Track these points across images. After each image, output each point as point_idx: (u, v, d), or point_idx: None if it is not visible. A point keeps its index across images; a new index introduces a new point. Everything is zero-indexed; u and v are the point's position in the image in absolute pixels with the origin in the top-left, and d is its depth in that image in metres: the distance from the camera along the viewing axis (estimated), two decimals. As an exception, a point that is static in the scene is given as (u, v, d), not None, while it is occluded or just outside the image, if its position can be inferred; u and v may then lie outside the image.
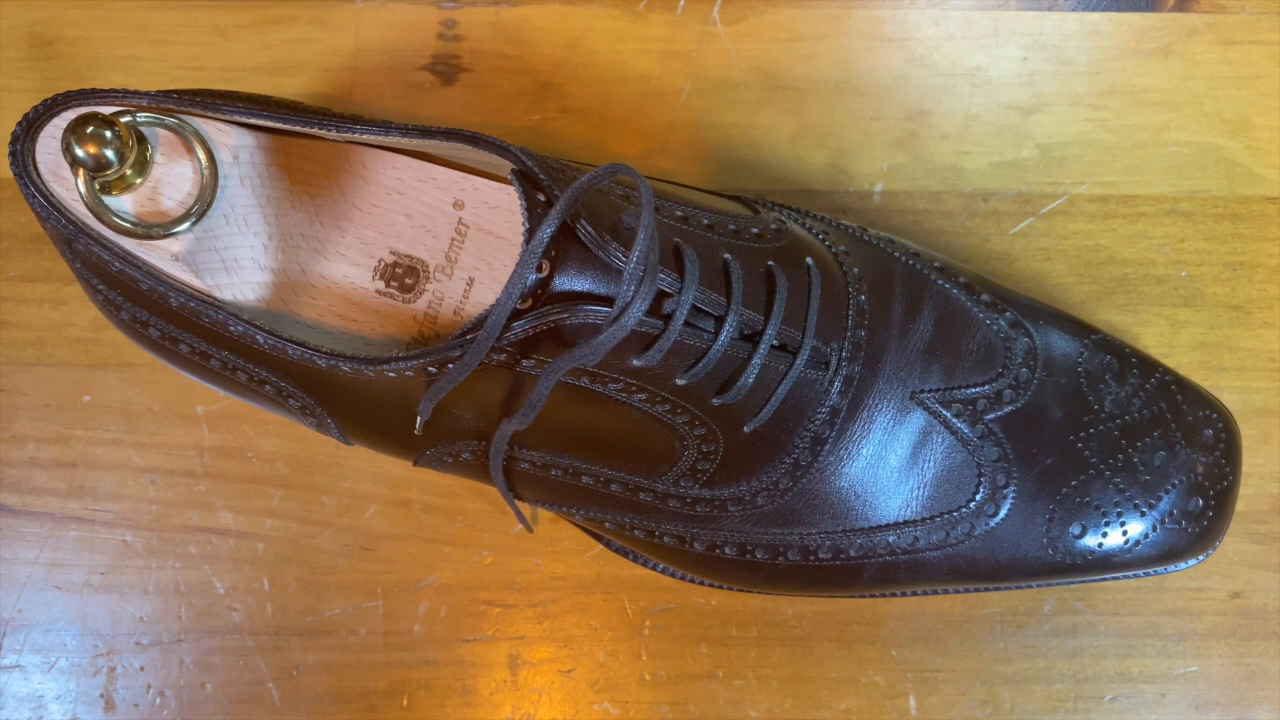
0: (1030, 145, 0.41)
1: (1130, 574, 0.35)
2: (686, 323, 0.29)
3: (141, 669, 0.38)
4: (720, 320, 0.29)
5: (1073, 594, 0.39)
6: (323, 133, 0.30)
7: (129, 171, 0.29)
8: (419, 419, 0.30)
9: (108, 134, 0.27)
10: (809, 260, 0.32)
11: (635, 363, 0.28)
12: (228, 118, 0.30)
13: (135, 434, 0.39)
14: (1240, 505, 0.38)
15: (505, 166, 0.29)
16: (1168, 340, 0.40)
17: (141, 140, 0.29)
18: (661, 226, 0.29)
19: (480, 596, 0.39)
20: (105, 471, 0.39)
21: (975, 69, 0.41)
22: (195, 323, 0.31)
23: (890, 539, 0.33)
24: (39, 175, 0.29)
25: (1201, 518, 0.34)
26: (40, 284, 0.40)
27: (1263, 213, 0.40)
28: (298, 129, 0.30)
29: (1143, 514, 0.34)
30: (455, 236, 0.34)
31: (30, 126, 0.29)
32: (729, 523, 0.33)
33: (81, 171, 0.28)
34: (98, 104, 0.29)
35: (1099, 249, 0.40)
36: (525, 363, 0.28)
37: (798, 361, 0.30)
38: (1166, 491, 0.34)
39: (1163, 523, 0.34)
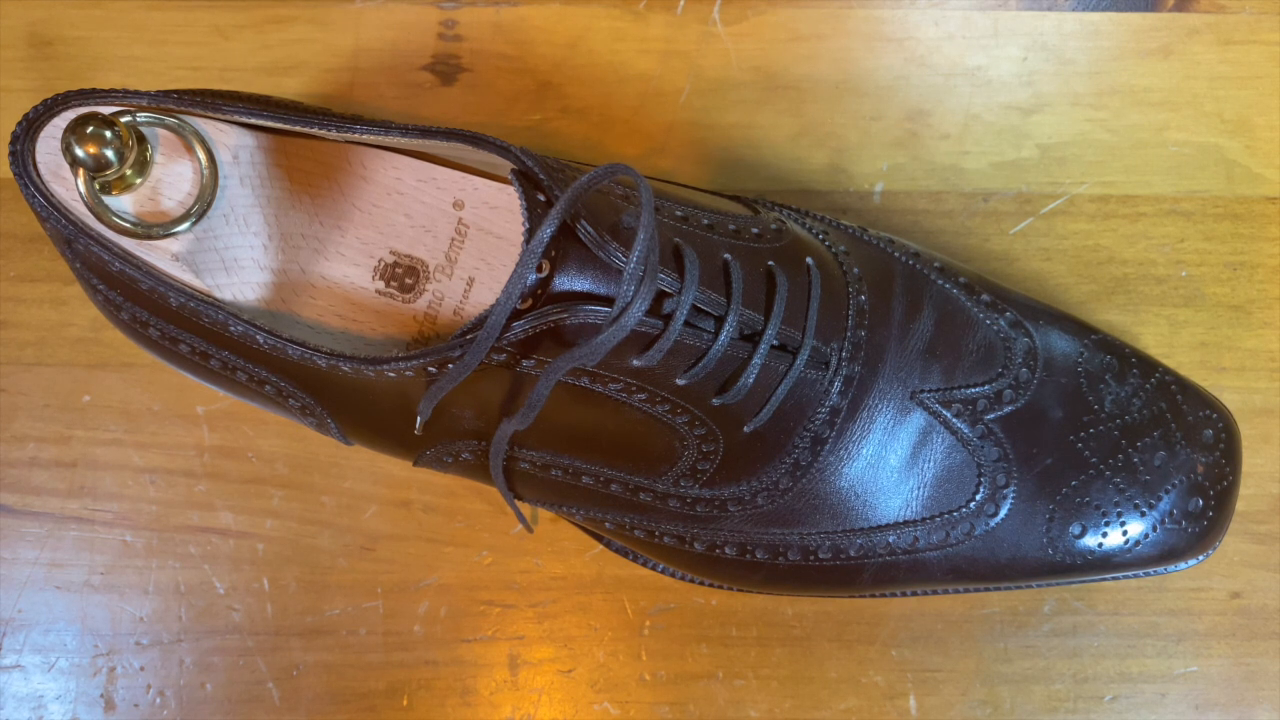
0: (1030, 145, 0.41)
1: (1130, 574, 0.35)
2: (686, 323, 0.29)
3: (141, 669, 0.38)
4: (720, 320, 0.29)
5: (1073, 594, 0.39)
6: (323, 133, 0.30)
7: (129, 171, 0.29)
8: (419, 419, 0.30)
9: (108, 134, 0.27)
10: (809, 260, 0.32)
11: (635, 363, 0.28)
12: (228, 118, 0.30)
13: (135, 434, 0.39)
14: (1240, 505, 0.38)
15: (505, 166, 0.29)
16: (1168, 340, 0.40)
17: (141, 140, 0.29)
18: (661, 226, 0.29)
19: (480, 596, 0.39)
20: (105, 471, 0.39)
21: (975, 69, 0.41)
22: (195, 323, 0.31)
23: (890, 539, 0.33)
24: (39, 175, 0.29)
25: (1201, 518, 0.34)
26: (40, 284, 0.40)
27: (1263, 213, 0.40)
28: (298, 129, 0.30)
29: (1143, 514, 0.34)
30: (455, 236, 0.34)
31: (30, 126, 0.29)
32: (729, 523, 0.33)
33: (81, 171, 0.28)
34: (98, 104, 0.29)
35: (1099, 249, 0.40)
36: (525, 363, 0.28)
37: (798, 361, 0.30)
38: (1166, 491, 0.34)
39: (1163, 523, 0.34)
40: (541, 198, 0.27)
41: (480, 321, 0.27)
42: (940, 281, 0.34)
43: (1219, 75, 0.41)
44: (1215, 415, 0.35)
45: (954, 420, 0.33)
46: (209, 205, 0.30)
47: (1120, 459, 0.34)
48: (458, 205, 0.34)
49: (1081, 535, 0.34)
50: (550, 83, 0.41)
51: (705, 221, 0.31)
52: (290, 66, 0.40)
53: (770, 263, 0.31)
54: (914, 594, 0.36)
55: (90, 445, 0.39)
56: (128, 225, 0.29)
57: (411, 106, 0.40)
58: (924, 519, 0.33)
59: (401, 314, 0.34)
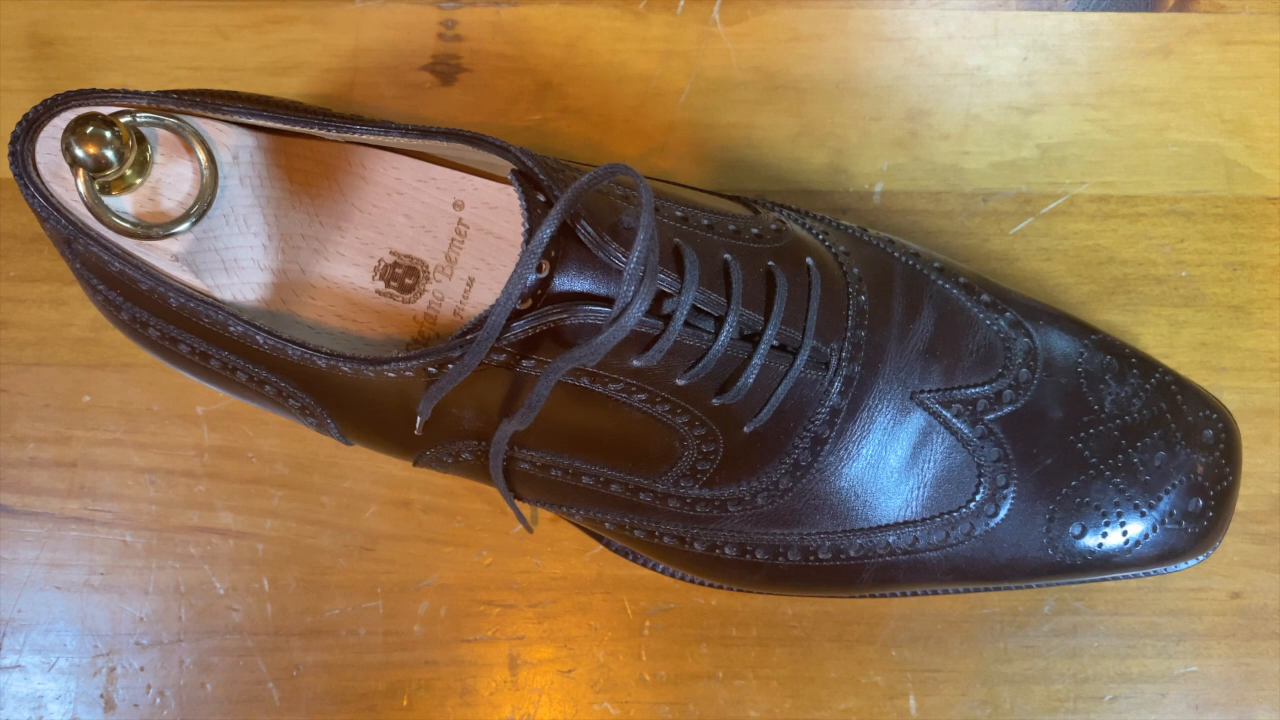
0: (1030, 145, 0.41)
1: (1130, 574, 0.35)
2: (686, 323, 0.29)
3: (141, 669, 0.38)
4: (720, 320, 0.29)
5: (1073, 594, 0.39)
6: (323, 133, 0.30)
7: (129, 171, 0.29)
8: (419, 419, 0.30)
9: (107, 134, 0.27)
10: (809, 260, 0.32)
11: (635, 363, 0.28)
12: (228, 118, 0.30)
13: (135, 434, 0.39)
14: (1240, 505, 0.38)
15: (505, 166, 0.29)
16: (1168, 340, 0.40)
17: (141, 140, 0.29)
18: (661, 227, 0.29)
19: (480, 596, 0.39)
20: (105, 471, 0.39)
21: (975, 69, 0.41)
22: (195, 323, 0.31)
23: (890, 539, 0.33)
24: (39, 175, 0.29)
25: (1201, 518, 0.34)
26: (40, 284, 0.40)
27: (1263, 213, 0.40)
28: (298, 129, 0.30)
29: (1143, 514, 0.34)
30: (455, 236, 0.34)
31: (30, 126, 0.29)
32: (729, 523, 0.33)
33: (81, 171, 0.28)
34: (98, 104, 0.29)
35: (1099, 249, 0.40)
36: (525, 363, 0.28)
37: (798, 362, 0.30)
38: (1166, 492, 0.34)
39: (1163, 523, 0.34)
40: (541, 198, 0.27)
41: (480, 322, 0.27)
42: (940, 281, 0.34)
43: (1219, 75, 0.41)
44: (1215, 415, 0.35)
45: (954, 420, 0.33)
46: (209, 205, 0.30)
47: (1120, 459, 0.34)
48: (458, 205, 0.34)
49: (1081, 535, 0.34)
50: (550, 83, 0.41)
51: (705, 221, 0.31)
52: (290, 66, 0.40)
53: (770, 263, 0.31)
54: (914, 594, 0.36)
55: (90, 445, 0.39)
56: (128, 225, 0.29)
57: (411, 106, 0.40)
58: (924, 519, 0.33)
59: (401, 314, 0.34)
